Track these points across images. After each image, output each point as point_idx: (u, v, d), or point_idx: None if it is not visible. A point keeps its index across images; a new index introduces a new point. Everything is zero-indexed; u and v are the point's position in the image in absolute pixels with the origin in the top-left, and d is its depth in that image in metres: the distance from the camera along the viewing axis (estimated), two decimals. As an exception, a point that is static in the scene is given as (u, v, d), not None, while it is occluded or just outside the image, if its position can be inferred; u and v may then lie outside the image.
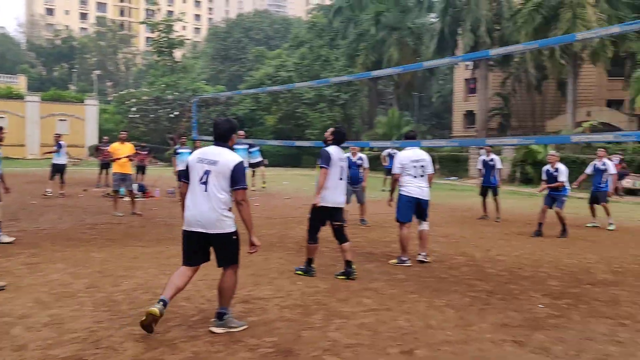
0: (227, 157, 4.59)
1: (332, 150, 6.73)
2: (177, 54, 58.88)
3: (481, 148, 13.55)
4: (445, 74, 54.73)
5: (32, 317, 4.89)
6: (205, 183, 4.55)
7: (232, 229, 4.61)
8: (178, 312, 5.09)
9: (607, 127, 30.55)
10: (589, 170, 12.34)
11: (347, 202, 8.85)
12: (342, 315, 5.22)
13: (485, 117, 37.38)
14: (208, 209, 4.51)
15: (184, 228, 4.67)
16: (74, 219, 11.33)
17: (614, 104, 36.79)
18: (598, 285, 6.76)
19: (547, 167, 10.94)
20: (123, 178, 12.18)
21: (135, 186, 13.99)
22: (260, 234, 9.91)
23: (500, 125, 41.15)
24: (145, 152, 20.52)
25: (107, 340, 4.37)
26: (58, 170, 15.71)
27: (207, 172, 4.55)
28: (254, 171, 18.31)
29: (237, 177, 4.54)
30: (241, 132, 15.75)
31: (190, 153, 14.82)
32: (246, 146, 15.47)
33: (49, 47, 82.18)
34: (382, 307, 5.52)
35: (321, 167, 6.60)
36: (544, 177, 11.03)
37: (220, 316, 4.63)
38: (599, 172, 12.04)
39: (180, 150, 14.33)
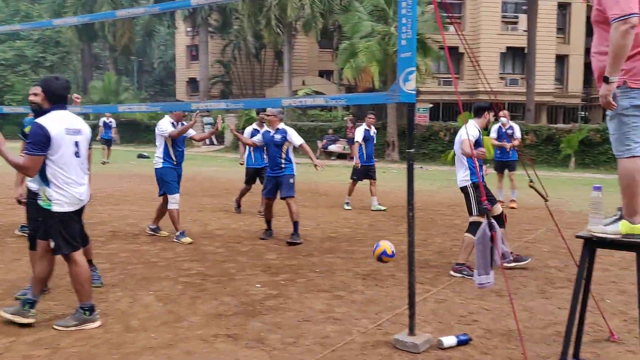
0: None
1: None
2: None
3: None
4: (166, 39, 52.65)
5: None
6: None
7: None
8: None
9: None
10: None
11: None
12: (9, 332, 4.01)
13: (208, 84, 36.99)
14: None
15: None
16: None
17: (325, 74, 39.61)
18: (315, 254, 6.63)
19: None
20: None
21: None
22: None
23: (222, 92, 41.23)
24: None
25: None
26: None
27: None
28: None
29: None
30: None
31: None
32: None
33: None
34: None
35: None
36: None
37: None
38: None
39: None
